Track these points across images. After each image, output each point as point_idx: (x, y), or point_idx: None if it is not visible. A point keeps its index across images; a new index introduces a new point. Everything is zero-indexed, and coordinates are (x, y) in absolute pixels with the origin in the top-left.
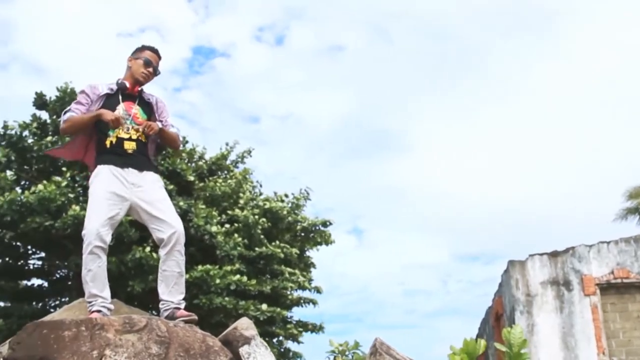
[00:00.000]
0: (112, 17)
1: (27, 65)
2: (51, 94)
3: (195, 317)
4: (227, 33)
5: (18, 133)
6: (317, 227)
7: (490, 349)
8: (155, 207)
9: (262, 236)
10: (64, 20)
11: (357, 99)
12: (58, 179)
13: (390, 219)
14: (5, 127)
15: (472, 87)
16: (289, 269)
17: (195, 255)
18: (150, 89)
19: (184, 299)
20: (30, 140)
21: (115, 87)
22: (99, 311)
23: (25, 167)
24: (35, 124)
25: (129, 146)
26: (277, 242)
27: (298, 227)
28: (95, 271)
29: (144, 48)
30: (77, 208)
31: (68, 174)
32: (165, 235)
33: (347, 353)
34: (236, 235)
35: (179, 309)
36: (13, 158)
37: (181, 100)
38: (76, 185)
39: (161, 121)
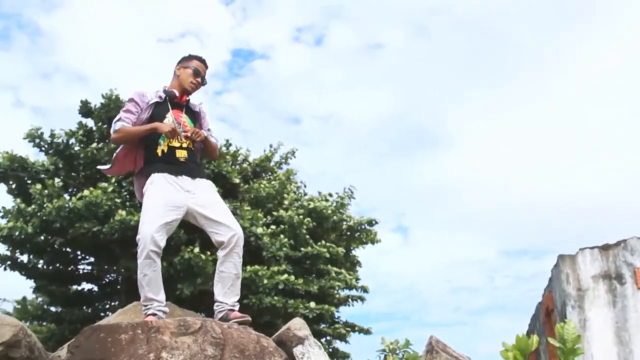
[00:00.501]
0: (151, 23)
1: (71, 75)
2: (96, 101)
3: (249, 319)
4: (265, 35)
5: (65, 141)
6: (363, 226)
7: (542, 345)
8: (213, 211)
9: (307, 236)
10: (105, 29)
11: (398, 96)
12: (104, 184)
13: (435, 216)
14: (52, 135)
15: (514, 81)
16: (335, 269)
17: (242, 257)
18: (193, 95)
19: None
20: (76, 148)
21: (163, 95)
22: (154, 314)
23: (73, 174)
24: (81, 132)
25: (181, 154)
26: (323, 242)
27: (343, 227)
28: (150, 275)
29: (191, 57)
30: (124, 213)
31: (114, 180)
32: (225, 238)
33: (397, 351)
34: (282, 236)
35: (233, 310)
36: (60, 165)
37: (222, 104)
38: (122, 190)
39: (208, 129)
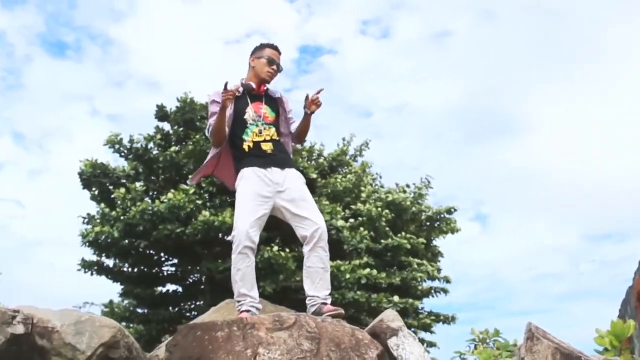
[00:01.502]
0: (217, 26)
1: (142, 81)
2: (171, 105)
3: (342, 312)
4: (331, 30)
5: (144, 146)
6: (442, 216)
7: (635, 331)
8: (298, 206)
9: (387, 228)
10: (172, 34)
11: (471, 83)
12: (186, 187)
13: (514, 203)
14: (131, 141)
15: (590, 63)
16: (417, 260)
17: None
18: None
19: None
20: (155, 152)
21: (241, 89)
22: (248, 311)
23: (153, 177)
24: (159, 136)
25: (267, 147)
26: (403, 234)
27: (423, 217)
28: (244, 271)
29: (264, 46)
30: (207, 214)
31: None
32: (308, 233)
33: (488, 341)
34: (362, 229)
35: (325, 304)
36: (141, 170)
37: (293, 101)
38: (202, 191)
39: (291, 117)
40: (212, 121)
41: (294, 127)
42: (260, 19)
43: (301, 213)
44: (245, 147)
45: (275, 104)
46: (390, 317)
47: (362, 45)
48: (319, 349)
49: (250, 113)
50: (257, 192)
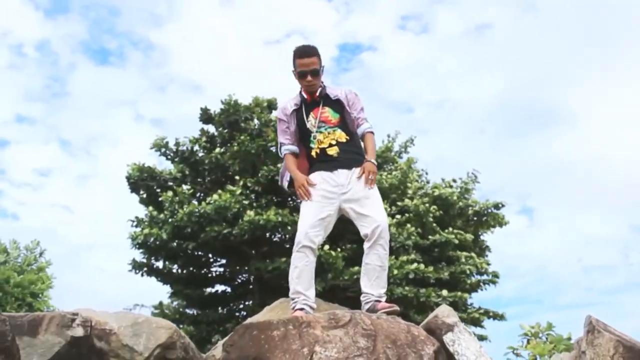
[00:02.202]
0: (256, 27)
1: (184, 85)
2: (215, 107)
3: (397, 309)
4: (370, 27)
5: (189, 148)
6: (489, 210)
7: None
8: (360, 204)
9: (434, 224)
10: (212, 37)
11: (512, 75)
12: (232, 187)
13: (561, 194)
14: (177, 143)
15: (636, 50)
16: (465, 253)
17: None
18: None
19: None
20: (200, 154)
21: (299, 101)
22: (301, 309)
23: (199, 179)
24: (204, 138)
25: (332, 151)
26: (450, 229)
27: (470, 212)
28: (301, 269)
29: (294, 57)
30: (252, 213)
31: (241, 182)
32: (368, 230)
33: (540, 335)
34: (408, 225)
35: (379, 301)
36: (187, 172)
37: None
38: (248, 191)
39: (355, 111)
40: (283, 140)
41: (360, 130)
42: (299, 19)
43: (363, 211)
44: (313, 153)
45: (338, 104)
46: (445, 313)
47: (402, 41)
48: (375, 346)
49: (311, 121)
50: (321, 194)
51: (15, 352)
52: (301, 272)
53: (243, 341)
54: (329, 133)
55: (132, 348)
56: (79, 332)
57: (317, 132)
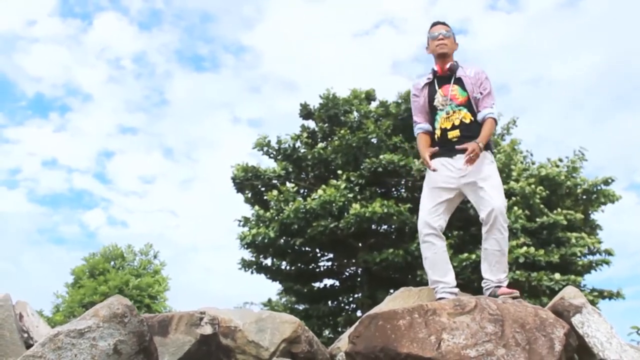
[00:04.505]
0: (344, 20)
1: (278, 83)
2: (314, 102)
3: (518, 294)
4: (460, 9)
5: (291, 145)
6: (599, 187)
7: None
8: (478, 187)
9: (541, 205)
10: (302, 34)
11: (608, 47)
12: (336, 182)
13: None
14: (279, 142)
15: None
16: (575, 234)
17: (476, 235)
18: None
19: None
20: (302, 150)
21: (431, 76)
22: (442, 298)
23: (302, 175)
24: (305, 134)
25: (452, 135)
26: (559, 210)
27: (578, 191)
28: (431, 258)
29: (430, 29)
30: (357, 206)
31: (344, 176)
32: (484, 214)
33: None
34: (515, 208)
35: (500, 287)
36: (290, 169)
37: None
38: (352, 185)
39: (481, 94)
40: (416, 119)
41: (482, 114)
42: (386, 8)
43: (480, 194)
44: (436, 135)
45: (466, 83)
46: (572, 294)
47: (492, 21)
48: (503, 331)
49: (438, 98)
50: (437, 181)
51: (153, 351)
52: (432, 261)
53: (369, 332)
54: (454, 112)
55: (258, 344)
56: (207, 330)
57: (442, 110)
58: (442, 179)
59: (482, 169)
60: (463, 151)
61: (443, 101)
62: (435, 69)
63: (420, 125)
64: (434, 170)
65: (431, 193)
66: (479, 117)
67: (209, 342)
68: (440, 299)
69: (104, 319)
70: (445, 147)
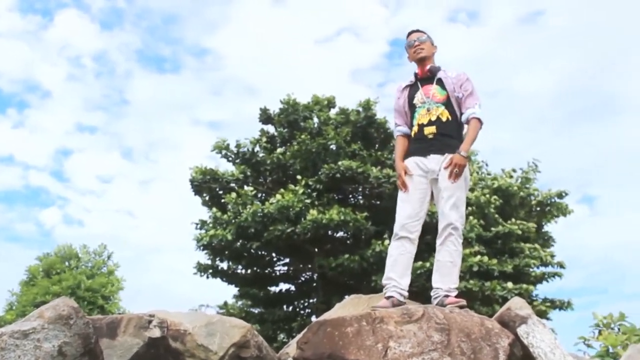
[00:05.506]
0: (306, 27)
1: (239, 87)
2: (274, 107)
3: (465, 303)
4: (421, 20)
5: (250, 149)
6: (552, 200)
7: None
8: (441, 197)
9: (496, 215)
10: (263, 39)
11: (570, 63)
12: (294, 187)
13: (624, 183)
14: (238, 145)
15: None
16: (528, 245)
17: (431, 244)
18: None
19: (457, 288)
20: (261, 155)
21: (413, 78)
22: (390, 297)
23: (260, 179)
24: (264, 138)
25: (429, 131)
26: (513, 220)
27: (532, 202)
28: (395, 257)
29: (406, 38)
30: (315, 212)
31: (303, 181)
32: (440, 227)
33: (612, 325)
34: (471, 217)
35: (448, 296)
36: (248, 173)
37: (386, 95)
38: (310, 190)
39: (463, 94)
40: (395, 119)
41: (466, 114)
42: (349, 16)
43: (440, 204)
44: (412, 132)
45: (447, 83)
46: (518, 305)
47: (453, 33)
48: (449, 340)
49: (419, 96)
50: (415, 183)
51: (98, 354)
52: (395, 260)
53: (317, 338)
54: (433, 108)
55: (207, 348)
56: (156, 333)
57: (421, 106)
58: (418, 180)
59: (447, 177)
60: (436, 151)
61: (423, 99)
62: (417, 72)
63: (400, 127)
64: (405, 192)
65: (409, 197)
66: (463, 118)
67: (157, 345)
68: (389, 297)
69: (49, 320)
70: (419, 144)
